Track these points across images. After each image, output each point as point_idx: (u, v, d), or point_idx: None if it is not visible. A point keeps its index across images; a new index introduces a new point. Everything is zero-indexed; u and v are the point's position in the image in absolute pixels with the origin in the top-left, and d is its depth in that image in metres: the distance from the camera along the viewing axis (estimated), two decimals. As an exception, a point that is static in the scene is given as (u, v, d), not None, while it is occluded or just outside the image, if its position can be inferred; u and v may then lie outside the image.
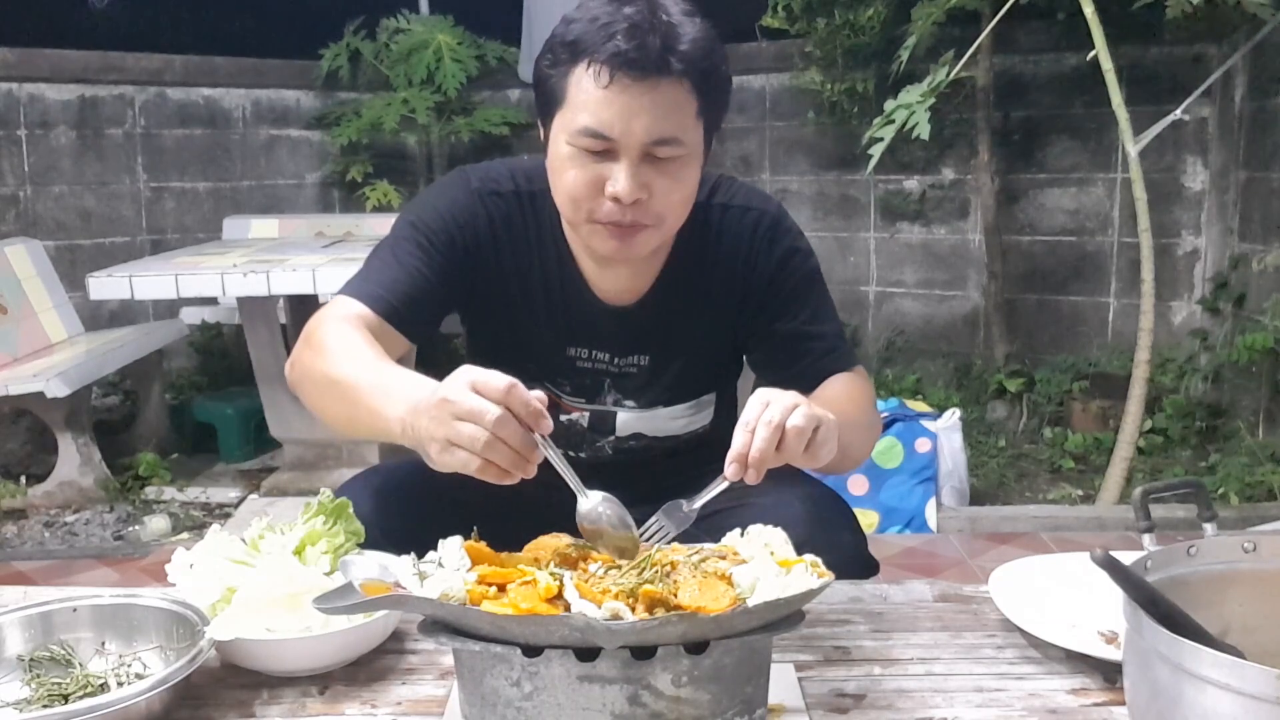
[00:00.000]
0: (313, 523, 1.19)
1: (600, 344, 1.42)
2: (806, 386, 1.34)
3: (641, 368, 1.43)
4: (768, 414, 1.08)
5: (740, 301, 1.42)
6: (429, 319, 1.37)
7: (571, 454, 1.50)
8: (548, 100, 1.26)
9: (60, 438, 3.61)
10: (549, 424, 1.01)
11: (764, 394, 1.11)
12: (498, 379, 0.99)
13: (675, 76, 1.19)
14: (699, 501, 1.14)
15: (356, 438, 1.28)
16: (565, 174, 1.25)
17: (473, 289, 1.40)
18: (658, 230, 1.27)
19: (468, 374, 1.00)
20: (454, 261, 1.36)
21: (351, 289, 1.35)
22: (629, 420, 1.46)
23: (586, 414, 1.46)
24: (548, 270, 1.39)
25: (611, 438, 1.48)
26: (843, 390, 1.37)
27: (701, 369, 1.47)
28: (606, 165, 1.22)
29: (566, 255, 1.38)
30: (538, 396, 1.01)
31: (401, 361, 1.26)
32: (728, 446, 1.56)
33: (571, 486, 1.09)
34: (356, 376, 1.18)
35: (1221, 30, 3.83)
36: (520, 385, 0.99)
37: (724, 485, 1.11)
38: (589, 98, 1.20)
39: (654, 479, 1.51)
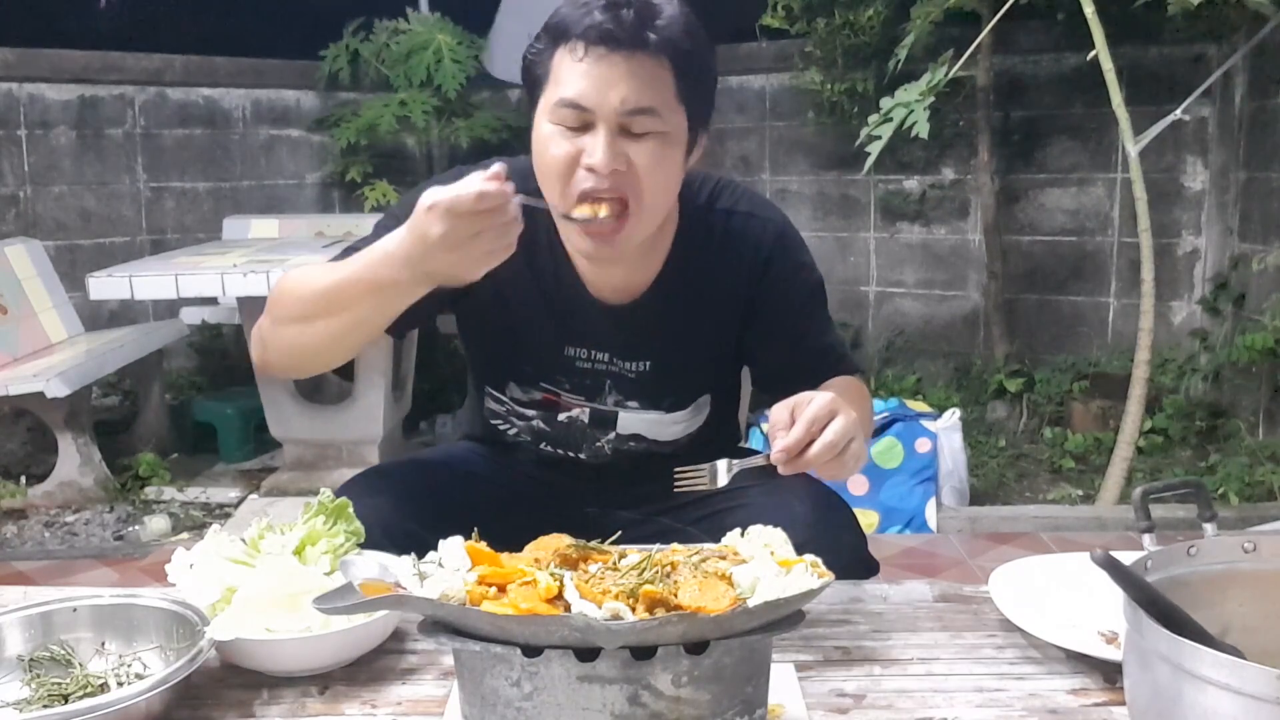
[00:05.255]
0: (313, 523, 1.19)
1: (599, 344, 1.42)
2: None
3: (642, 372, 1.43)
4: (810, 411, 1.12)
5: (746, 310, 1.42)
6: (408, 318, 1.32)
7: (571, 454, 1.50)
8: (533, 85, 1.28)
9: (60, 438, 3.61)
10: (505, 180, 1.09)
11: (802, 397, 1.15)
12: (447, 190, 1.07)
13: (651, 51, 1.21)
14: (738, 468, 1.22)
15: (352, 347, 1.29)
16: (545, 153, 1.25)
17: (461, 289, 1.39)
18: (638, 217, 1.26)
19: (427, 196, 1.09)
20: None
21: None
22: (630, 420, 1.46)
23: (587, 410, 1.46)
24: (542, 270, 1.39)
25: (612, 434, 1.47)
26: (849, 393, 1.34)
27: (701, 372, 1.47)
28: (584, 139, 1.23)
29: (561, 254, 1.37)
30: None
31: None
32: (718, 441, 1.57)
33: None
34: (339, 278, 1.22)
35: (1221, 30, 3.83)
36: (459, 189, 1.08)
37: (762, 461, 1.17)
38: (567, 73, 1.22)
39: (653, 480, 1.51)
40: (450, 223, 1.08)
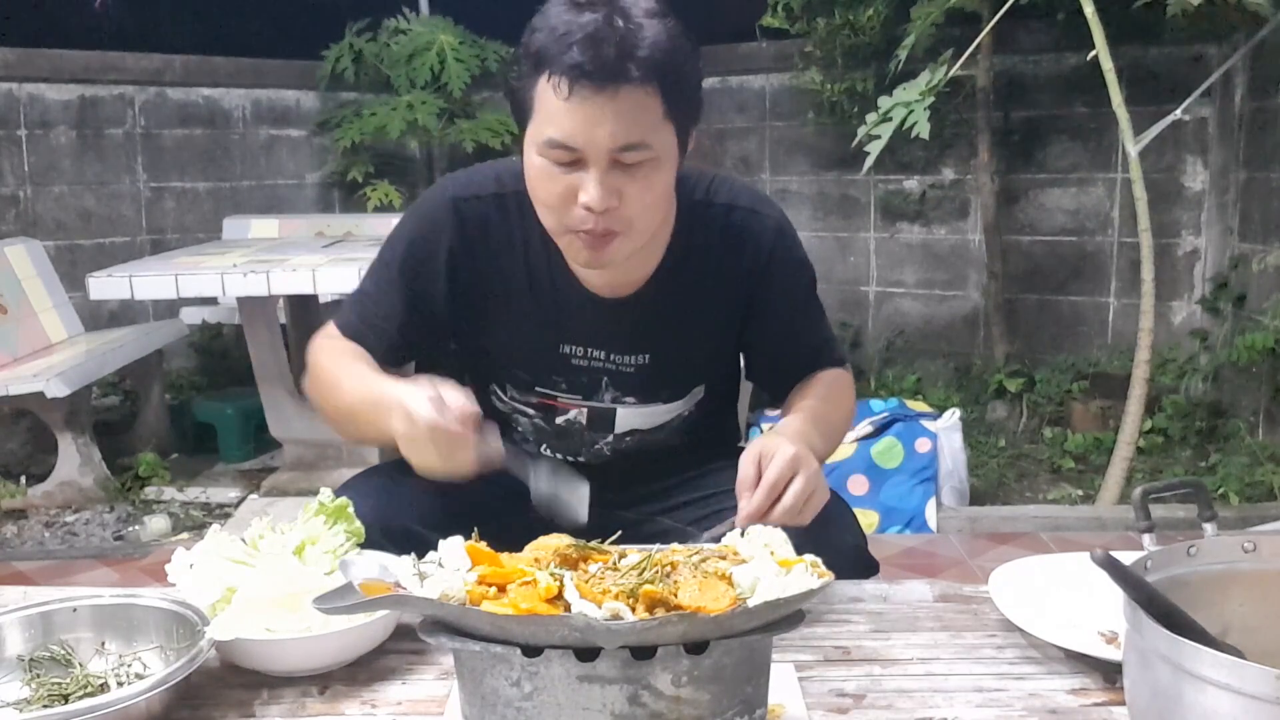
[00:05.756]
0: (313, 523, 1.19)
1: (596, 341, 1.42)
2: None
3: (641, 366, 1.43)
4: (770, 475, 1.19)
5: (748, 304, 1.43)
6: (428, 344, 1.49)
7: (570, 458, 1.50)
8: (519, 111, 1.27)
9: (60, 438, 3.61)
10: (477, 420, 1.21)
11: (768, 447, 1.21)
12: (429, 397, 1.19)
13: (635, 82, 1.18)
14: (706, 538, 1.24)
15: (380, 445, 1.43)
16: (539, 186, 1.26)
17: (456, 298, 1.41)
18: (628, 236, 1.27)
19: (423, 385, 1.21)
20: (433, 284, 1.41)
21: (346, 329, 1.44)
22: (629, 416, 1.46)
23: (584, 410, 1.46)
24: (534, 269, 1.39)
25: (610, 436, 1.48)
26: (832, 391, 1.46)
27: (700, 364, 1.48)
28: (576, 175, 1.22)
29: (554, 253, 1.37)
30: (466, 406, 1.20)
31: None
32: (717, 440, 1.59)
33: (520, 475, 1.32)
34: (357, 401, 1.32)
35: (1221, 30, 3.83)
36: (451, 398, 1.20)
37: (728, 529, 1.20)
38: (552, 110, 1.20)
39: (651, 478, 1.52)
40: (410, 435, 1.20)
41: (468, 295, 1.41)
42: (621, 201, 1.23)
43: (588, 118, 1.18)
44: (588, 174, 1.21)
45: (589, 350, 1.42)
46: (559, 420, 1.47)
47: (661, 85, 1.20)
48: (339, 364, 1.38)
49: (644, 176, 1.23)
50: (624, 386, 1.44)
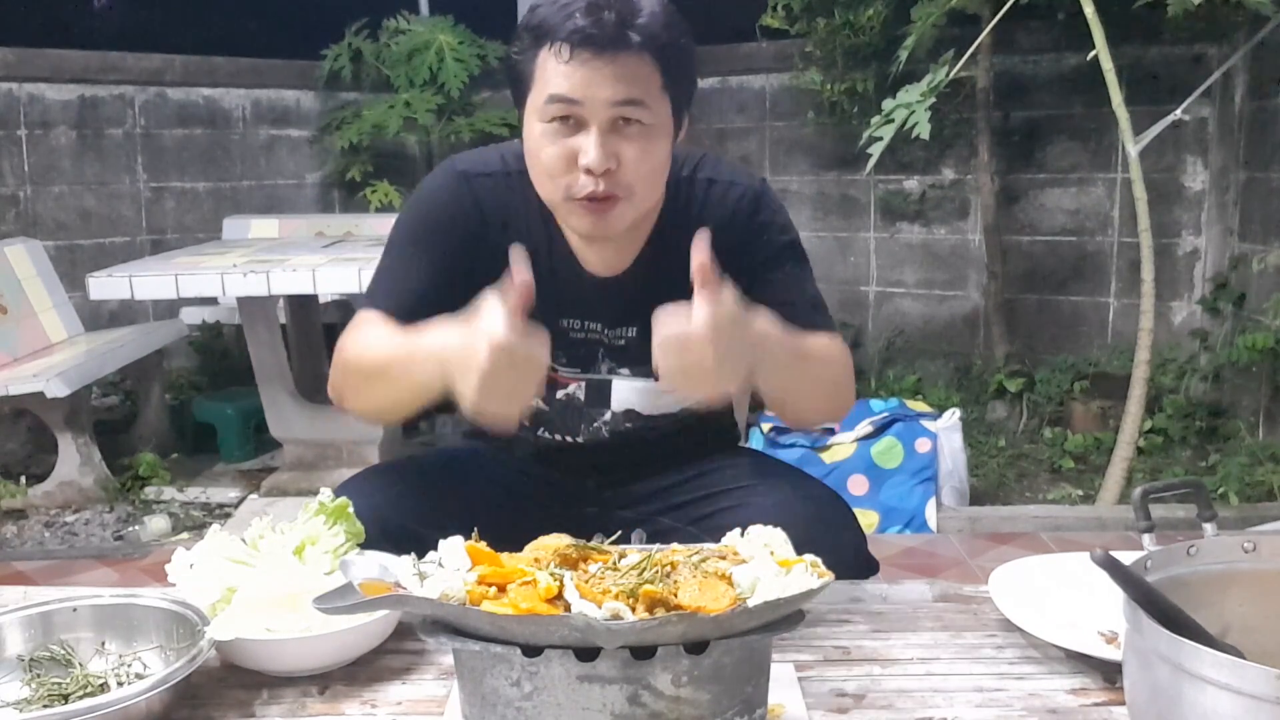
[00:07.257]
0: (313, 523, 1.19)
1: (591, 315, 1.44)
2: None
3: (630, 338, 1.44)
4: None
5: (732, 273, 1.43)
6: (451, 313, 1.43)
7: (570, 439, 1.50)
8: (519, 86, 1.30)
9: (60, 438, 3.61)
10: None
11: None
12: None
13: (635, 49, 1.23)
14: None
15: (406, 414, 1.38)
16: (539, 153, 1.28)
17: (469, 271, 1.41)
18: (629, 203, 1.29)
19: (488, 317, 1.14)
20: (450, 253, 1.40)
21: (372, 304, 1.42)
22: (624, 391, 1.47)
23: (582, 385, 1.47)
24: (536, 245, 1.40)
25: (607, 413, 1.48)
26: (819, 348, 1.38)
27: None
28: (576, 139, 1.25)
29: (555, 231, 1.40)
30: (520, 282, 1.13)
31: None
32: (716, 438, 1.58)
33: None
34: (390, 356, 1.28)
35: (1221, 30, 3.83)
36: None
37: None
38: (553, 73, 1.24)
39: (651, 474, 1.52)
40: (482, 368, 1.12)
41: (479, 268, 1.41)
42: (620, 166, 1.25)
43: (588, 77, 1.22)
44: (587, 135, 1.24)
45: (585, 323, 1.44)
46: (559, 395, 1.48)
47: (659, 56, 1.24)
48: (362, 331, 1.36)
49: (642, 142, 1.26)
50: (617, 358, 1.46)
